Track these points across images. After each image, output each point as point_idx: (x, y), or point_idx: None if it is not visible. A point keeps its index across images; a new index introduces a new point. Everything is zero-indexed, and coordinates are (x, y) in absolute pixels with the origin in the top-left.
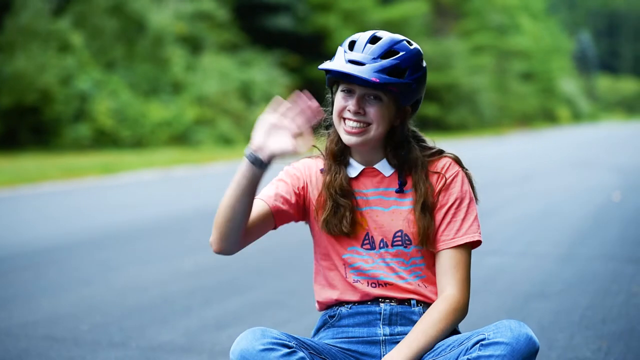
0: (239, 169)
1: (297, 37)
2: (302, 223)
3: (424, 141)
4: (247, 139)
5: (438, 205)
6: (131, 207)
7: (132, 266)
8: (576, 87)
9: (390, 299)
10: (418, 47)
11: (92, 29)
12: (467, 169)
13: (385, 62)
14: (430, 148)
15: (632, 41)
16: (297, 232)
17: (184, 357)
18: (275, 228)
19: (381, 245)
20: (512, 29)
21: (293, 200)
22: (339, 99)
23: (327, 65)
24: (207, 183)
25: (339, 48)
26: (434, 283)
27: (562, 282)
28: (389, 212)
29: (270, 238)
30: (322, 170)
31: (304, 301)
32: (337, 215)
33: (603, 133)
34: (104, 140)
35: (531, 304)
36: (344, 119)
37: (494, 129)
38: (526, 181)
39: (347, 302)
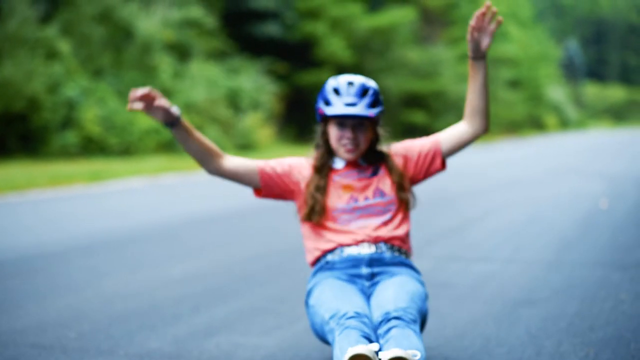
0: None
1: (285, 44)
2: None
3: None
4: (235, 146)
5: (412, 158)
6: (119, 214)
7: (120, 273)
8: (564, 95)
9: (365, 242)
10: (373, 82)
11: (80, 36)
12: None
13: (366, 99)
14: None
15: (619, 49)
16: (286, 240)
17: None
18: (260, 191)
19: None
20: (500, 36)
21: (284, 179)
22: (335, 129)
23: (335, 111)
24: (195, 190)
25: (330, 96)
26: (396, 228)
27: (550, 288)
28: (363, 184)
29: (259, 245)
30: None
31: (294, 308)
32: (311, 210)
33: (590, 140)
34: (92, 147)
35: (519, 310)
36: (342, 143)
37: (482, 136)
38: (513, 188)
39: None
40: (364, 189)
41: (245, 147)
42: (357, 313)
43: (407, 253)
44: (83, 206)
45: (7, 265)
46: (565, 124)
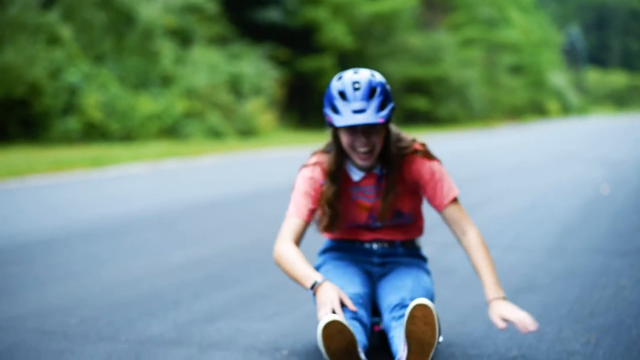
0: (303, 277)
1: (286, 30)
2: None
3: (401, 140)
4: (237, 132)
5: (423, 184)
6: (120, 200)
7: (121, 260)
8: (565, 81)
9: (382, 241)
10: (379, 75)
11: (81, 22)
12: (434, 157)
13: (374, 102)
14: (405, 147)
15: (621, 34)
16: None
17: (173, 350)
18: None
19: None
20: (502, 22)
21: (315, 203)
22: (346, 136)
23: (344, 121)
24: (196, 176)
25: (337, 102)
26: (414, 229)
27: (551, 275)
28: (381, 207)
29: (260, 231)
30: (322, 184)
31: (294, 294)
32: (331, 220)
33: (592, 126)
34: (93, 133)
35: (519, 297)
36: (354, 150)
37: (484, 122)
38: (515, 174)
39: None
40: (382, 211)
41: (246, 132)
42: (353, 294)
43: (419, 246)
44: (84, 192)
45: (8, 252)
46: (567, 109)
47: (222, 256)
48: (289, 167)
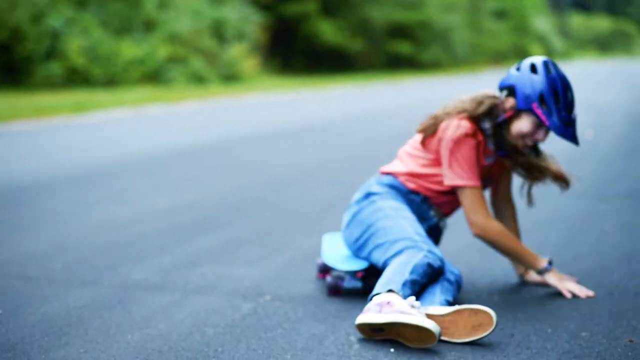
0: (531, 259)
1: None
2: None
3: None
4: (220, 77)
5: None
6: (104, 145)
7: (105, 205)
8: (549, 25)
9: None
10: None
11: None
12: None
13: (575, 117)
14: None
15: None
16: (271, 172)
17: (157, 295)
18: None
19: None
20: None
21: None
22: (529, 124)
23: (559, 129)
24: (180, 121)
25: (548, 97)
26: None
27: (533, 220)
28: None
29: (245, 177)
30: (487, 144)
31: (279, 239)
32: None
33: (576, 71)
34: (76, 78)
35: None
36: (524, 138)
37: (467, 67)
38: None
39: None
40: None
41: (229, 77)
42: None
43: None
44: (67, 137)
45: None
46: (550, 54)
47: (207, 201)
48: (272, 112)
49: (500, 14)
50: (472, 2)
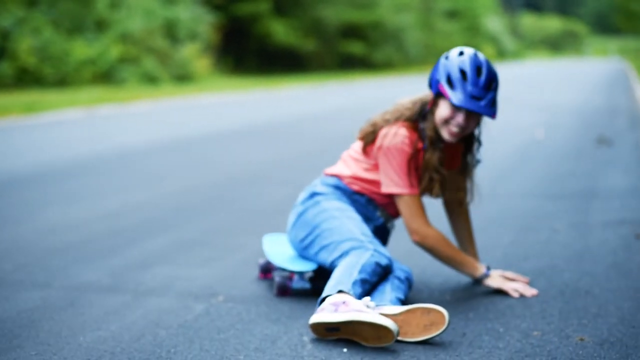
0: (468, 267)
1: None
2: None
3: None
4: (172, 77)
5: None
6: (55, 146)
7: (56, 206)
8: (501, 25)
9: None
10: (493, 66)
11: None
12: None
13: (490, 94)
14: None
15: None
16: (222, 172)
17: (108, 297)
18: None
19: None
20: None
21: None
22: (447, 108)
23: (463, 102)
24: (132, 122)
25: (455, 76)
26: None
27: (485, 219)
28: None
29: (196, 177)
30: (423, 148)
31: (231, 240)
32: (429, 186)
33: (527, 70)
34: (27, 78)
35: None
36: (447, 124)
37: (420, 67)
38: None
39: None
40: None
41: (182, 77)
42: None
43: None
44: (18, 138)
45: None
46: (502, 54)
47: (158, 202)
48: (225, 113)
49: (453, 14)
50: (424, 2)
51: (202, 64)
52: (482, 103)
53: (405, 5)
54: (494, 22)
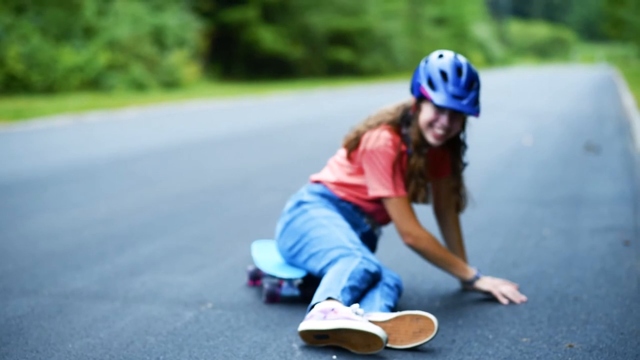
0: (460, 269)
1: None
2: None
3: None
4: (160, 84)
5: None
6: (43, 153)
7: (44, 213)
8: (489, 32)
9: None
10: (474, 68)
11: None
12: None
13: (472, 94)
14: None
15: None
16: (210, 179)
17: (97, 304)
18: None
19: None
20: None
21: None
22: (430, 111)
23: (444, 102)
24: (120, 129)
25: (435, 77)
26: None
27: (473, 225)
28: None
29: (184, 184)
30: (408, 152)
31: (220, 247)
32: (416, 191)
33: (515, 77)
34: (15, 85)
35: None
36: (431, 126)
37: (408, 73)
38: None
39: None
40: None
41: (170, 84)
42: (378, 265)
43: None
44: (5, 145)
45: None
46: (490, 61)
47: (146, 209)
48: (213, 119)
49: (440, 21)
50: (412, 9)
51: (190, 70)
52: (465, 102)
53: (393, 12)
54: (482, 29)
